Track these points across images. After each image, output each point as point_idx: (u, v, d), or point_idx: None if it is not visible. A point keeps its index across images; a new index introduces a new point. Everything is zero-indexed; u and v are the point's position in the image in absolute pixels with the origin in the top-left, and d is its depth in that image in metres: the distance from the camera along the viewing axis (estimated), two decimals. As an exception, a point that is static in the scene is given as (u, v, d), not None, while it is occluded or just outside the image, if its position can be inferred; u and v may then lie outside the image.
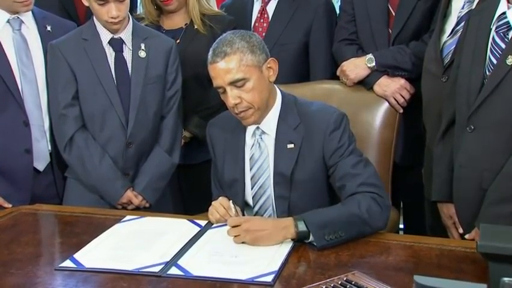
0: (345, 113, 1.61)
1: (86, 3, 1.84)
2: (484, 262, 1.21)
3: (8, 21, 1.86)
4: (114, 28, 1.85)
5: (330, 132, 1.55)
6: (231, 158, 1.64)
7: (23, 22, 1.88)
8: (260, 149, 1.61)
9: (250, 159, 1.62)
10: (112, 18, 1.79)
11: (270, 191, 1.61)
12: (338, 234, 1.40)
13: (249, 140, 1.63)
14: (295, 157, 1.57)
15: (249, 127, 1.62)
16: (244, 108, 1.53)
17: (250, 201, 1.64)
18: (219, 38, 1.57)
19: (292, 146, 1.57)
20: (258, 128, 1.61)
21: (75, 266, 1.34)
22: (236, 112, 1.54)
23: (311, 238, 1.40)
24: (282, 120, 1.60)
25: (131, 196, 1.89)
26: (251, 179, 1.62)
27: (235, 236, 1.43)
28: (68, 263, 1.35)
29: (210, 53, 1.54)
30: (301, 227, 1.40)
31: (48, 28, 1.92)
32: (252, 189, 1.62)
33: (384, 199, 1.49)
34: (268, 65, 1.56)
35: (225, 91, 1.53)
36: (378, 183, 1.52)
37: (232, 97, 1.51)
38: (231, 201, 1.56)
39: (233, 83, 1.50)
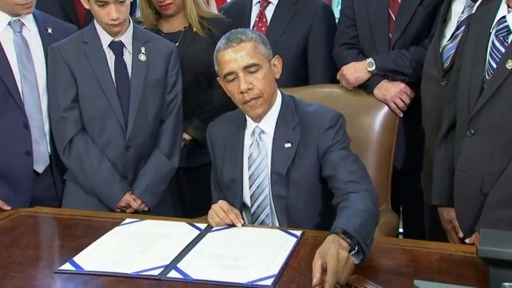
0: (343, 114, 1.62)
1: (86, 6, 1.85)
2: (484, 267, 1.21)
3: (9, 24, 1.86)
4: (114, 30, 1.85)
5: (325, 129, 1.56)
6: (230, 158, 1.65)
7: (24, 24, 1.88)
8: (259, 148, 1.62)
9: (248, 158, 1.62)
10: (112, 20, 1.79)
11: (268, 191, 1.61)
12: (370, 236, 1.33)
13: (248, 139, 1.64)
14: (291, 156, 1.58)
15: (248, 126, 1.63)
16: (254, 96, 1.54)
17: (248, 202, 1.64)
18: (229, 32, 1.60)
19: (289, 145, 1.59)
20: (257, 126, 1.62)
21: (74, 269, 1.33)
22: (246, 99, 1.54)
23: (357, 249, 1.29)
24: (281, 119, 1.61)
25: (130, 199, 1.88)
26: (249, 178, 1.62)
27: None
28: (67, 266, 1.35)
29: (223, 41, 1.57)
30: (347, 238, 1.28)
31: (50, 30, 1.93)
32: (249, 188, 1.62)
33: (375, 195, 1.47)
34: (275, 62, 1.61)
35: (236, 77, 1.54)
36: (367, 177, 1.52)
37: (244, 82, 1.53)
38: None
39: (247, 68, 1.54)
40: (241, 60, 1.53)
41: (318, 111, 1.62)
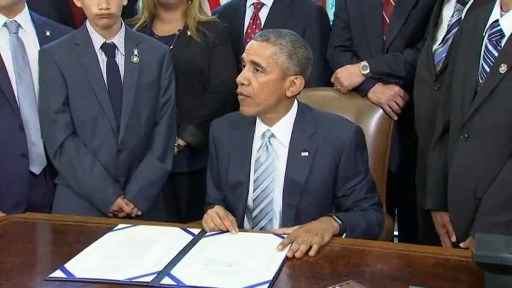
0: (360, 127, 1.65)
1: (78, 4, 1.83)
2: (480, 271, 1.20)
3: (5, 24, 1.84)
4: (103, 23, 1.81)
5: (353, 150, 1.57)
6: (237, 159, 1.62)
7: (20, 26, 1.86)
8: (267, 152, 1.59)
9: (255, 161, 1.60)
10: (100, 9, 1.77)
11: (273, 196, 1.59)
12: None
13: (257, 141, 1.61)
14: (309, 165, 1.56)
15: (258, 128, 1.61)
16: (244, 93, 1.53)
17: (251, 205, 1.62)
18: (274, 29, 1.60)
19: (306, 154, 1.57)
20: (268, 130, 1.60)
21: (66, 277, 1.31)
22: (239, 91, 1.55)
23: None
24: (297, 128, 1.59)
25: (122, 204, 1.87)
26: (254, 181, 1.60)
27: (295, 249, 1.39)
28: (58, 273, 1.32)
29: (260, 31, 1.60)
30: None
31: (48, 33, 1.91)
32: (253, 192, 1.60)
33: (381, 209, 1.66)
34: (295, 80, 1.55)
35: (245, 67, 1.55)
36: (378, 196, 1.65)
37: (243, 75, 1.53)
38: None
39: (253, 64, 1.52)
40: (253, 54, 1.52)
41: (338, 122, 1.62)
